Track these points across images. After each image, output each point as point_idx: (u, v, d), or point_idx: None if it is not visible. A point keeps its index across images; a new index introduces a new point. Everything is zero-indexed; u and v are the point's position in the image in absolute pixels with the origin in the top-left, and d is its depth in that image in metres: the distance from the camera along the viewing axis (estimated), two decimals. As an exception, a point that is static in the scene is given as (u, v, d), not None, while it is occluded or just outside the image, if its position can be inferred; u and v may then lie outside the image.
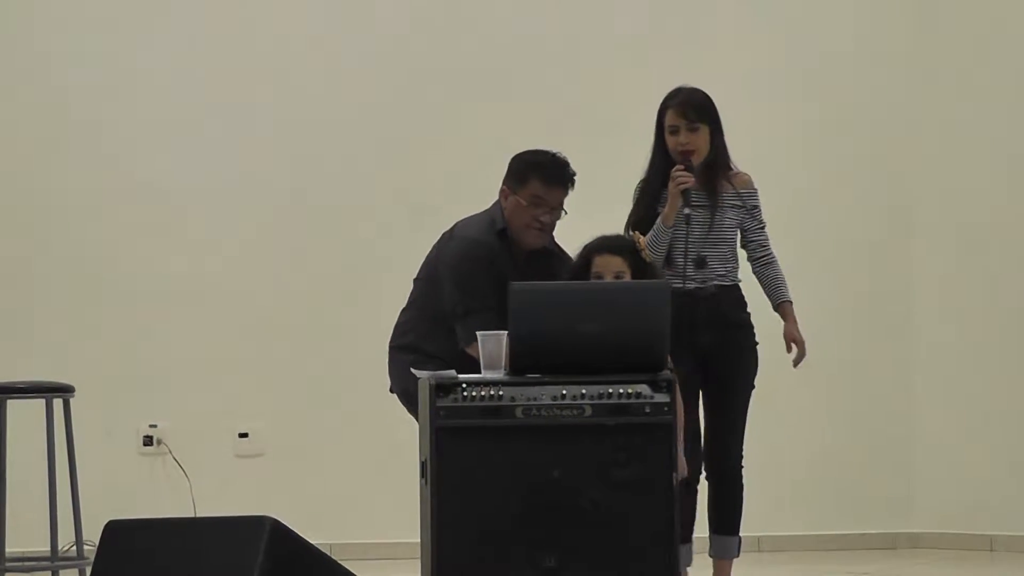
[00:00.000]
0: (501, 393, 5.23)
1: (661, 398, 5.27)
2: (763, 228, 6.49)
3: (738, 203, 6.39)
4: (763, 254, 6.48)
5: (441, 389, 5.22)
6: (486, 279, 6.16)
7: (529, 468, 5.21)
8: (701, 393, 6.37)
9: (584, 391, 5.25)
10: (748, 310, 6.45)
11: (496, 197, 6.37)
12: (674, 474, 5.27)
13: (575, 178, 6.33)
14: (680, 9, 9.39)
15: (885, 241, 9.44)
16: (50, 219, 8.90)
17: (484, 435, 5.20)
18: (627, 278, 5.95)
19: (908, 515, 9.44)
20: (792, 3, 9.45)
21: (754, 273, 6.49)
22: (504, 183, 6.36)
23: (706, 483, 6.41)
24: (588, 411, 5.24)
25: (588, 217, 6.17)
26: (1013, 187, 9.24)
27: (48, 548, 6.64)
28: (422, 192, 9.12)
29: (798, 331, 6.42)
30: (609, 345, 5.30)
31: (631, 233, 6.20)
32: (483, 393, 5.23)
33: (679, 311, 6.06)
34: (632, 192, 6.48)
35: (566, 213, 6.33)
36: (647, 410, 5.25)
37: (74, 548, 6.65)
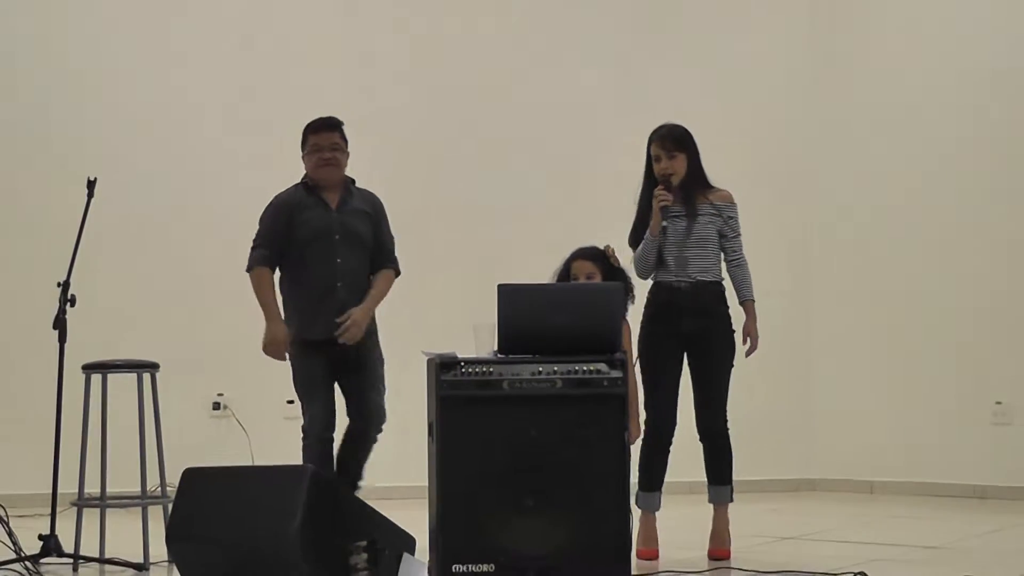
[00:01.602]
0: (491, 370, 5.23)
1: (615, 374, 5.26)
2: (737, 236, 6.35)
3: (714, 212, 6.28)
4: (735, 257, 6.35)
5: (444, 367, 5.22)
6: (269, 222, 6.31)
7: (513, 429, 5.21)
8: (690, 372, 6.28)
9: (556, 368, 5.25)
10: (727, 304, 6.34)
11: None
12: (625, 433, 5.29)
13: (336, 122, 6.39)
14: (638, 68, 9.44)
15: (793, 243, 9.48)
16: (146, 232, 8.93)
17: (478, 403, 5.20)
18: (597, 278, 5.98)
19: (808, 465, 9.49)
20: (733, 70, 9.51)
21: (727, 271, 6.37)
22: (302, 154, 6.42)
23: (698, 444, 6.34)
24: (559, 384, 5.24)
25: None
26: (896, 196, 9.28)
27: (139, 489, 6.65)
28: (431, 199, 9.17)
29: (755, 328, 6.33)
30: (575, 333, 5.30)
31: (606, 245, 6.20)
32: (477, 370, 5.24)
33: (665, 301, 6.23)
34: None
35: (345, 151, 6.39)
36: (604, 384, 5.24)
37: (159, 489, 6.65)
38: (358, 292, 6.35)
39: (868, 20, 9.54)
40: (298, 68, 9.16)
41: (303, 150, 6.40)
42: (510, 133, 9.36)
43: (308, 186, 6.38)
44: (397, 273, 6.55)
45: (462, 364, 5.24)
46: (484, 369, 5.24)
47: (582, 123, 9.40)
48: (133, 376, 6.60)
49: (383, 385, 6.45)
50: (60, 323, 5.91)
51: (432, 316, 8.81)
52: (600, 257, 6.11)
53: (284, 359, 6.24)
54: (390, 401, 8.47)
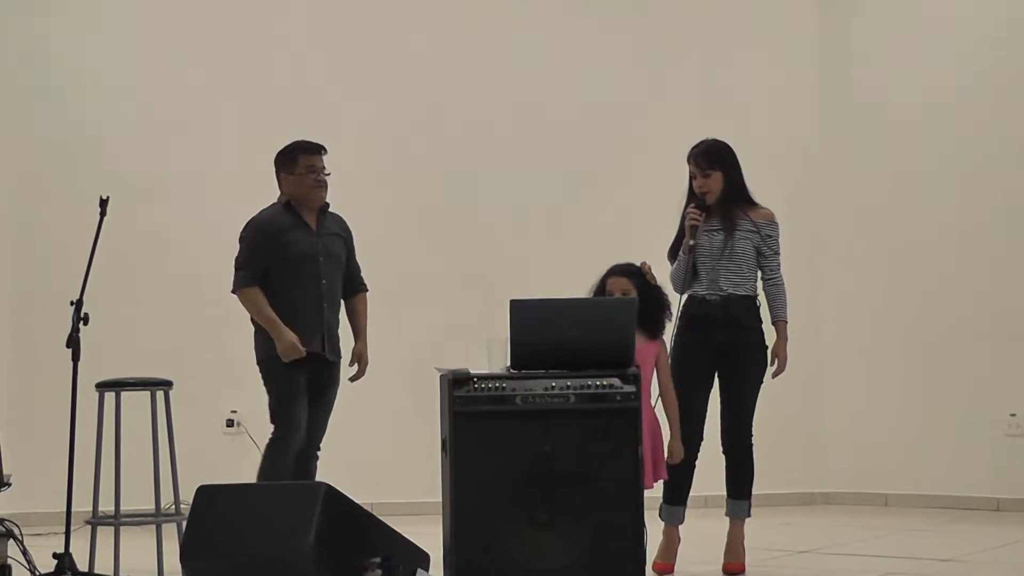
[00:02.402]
0: (504, 385, 5.25)
1: (628, 389, 5.27)
2: (775, 255, 6.33)
3: (753, 229, 6.25)
4: (771, 276, 6.33)
5: (457, 382, 5.23)
6: (254, 243, 6.33)
7: (526, 444, 5.22)
8: (719, 385, 6.25)
9: (569, 383, 5.26)
10: (760, 318, 6.30)
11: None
12: (639, 448, 5.28)
13: (324, 147, 6.45)
14: (655, 87, 9.45)
15: (800, 266, 9.44)
16: (154, 255, 8.92)
17: (491, 418, 5.22)
18: (632, 294, 5.90)
19: (822, 478, 9.46)
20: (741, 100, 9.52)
21: (763, 289, 6.35)
22: (281, 174, 6.45)
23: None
24: (572, 399, 5.25)
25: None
26: (908, 206, 9.25)
27: (154, 507, 6.65)
28: (440, 226, 9.17)
29: (784, 349, 6.29)
30: (587, 348, 5.31)
31: (643, 262, 6.15)
32: (490, 385, 5.25)
33: (696, 314, 6.21)
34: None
35: (330, 173, 6.44)
36: (617, 398, 5.26)
37: (173, 506, 6.65)
38: (337, 312, 6.48)
39: (875, 28, 9.52)
40: (309, 91, 9.16)
41: (290, 169, 6.42)
42: (515, 149, 9.35)
43: (290, 207, 6.41)
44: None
45: (475, 380, 5.25)
46: (497, 384, 5.25)
47: (592, 134, 9.39)
48: (147, 394, 6.60)
49: (331, 408, 6.55)
50: (73, 342, 5.91)
51: (441, 330, 8.81)
52: (636, 274, 6.05)
53: (304, 353, 6.25)
54: (402, 414, 8.48)
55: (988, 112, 8.99)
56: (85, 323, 5.93)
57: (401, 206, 9.14)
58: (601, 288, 6.07)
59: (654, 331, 5.98)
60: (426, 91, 9.28)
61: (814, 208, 9.52)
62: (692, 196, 6.32)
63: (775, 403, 9.07)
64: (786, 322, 6.34)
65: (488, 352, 5.45)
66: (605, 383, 5.26)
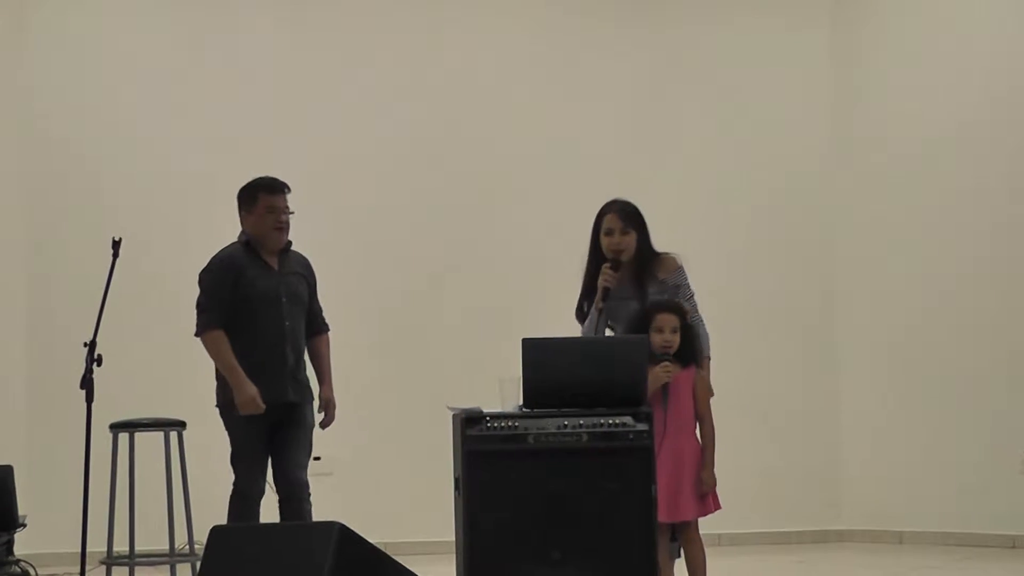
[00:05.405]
0: (516, 424, 5.23)
1: (641, 427, 5.24)
2: (690, 298, 6.06)
3: (662, 290, 6.02)
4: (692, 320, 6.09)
5: (470, 421, 5.21)
6: (216, 284, 6.16)
7: (539, 482, 5.19)
8: None
9: (581, 422, 5.24)
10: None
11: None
12: (653, 487, 5.27)
13: (287, 185, 6.31)
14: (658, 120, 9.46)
15: (815, 302, 9.44)
16: (167, 296, 8.94)
17: (504, 457, 5.19)
18: (678, 333, 5.83)
19: (836, 516, 9.42)
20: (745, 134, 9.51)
21: None
22: (242, 212, 6.30)
23: None
24: (585, 438, 5.23)
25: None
26: (921, 249, 9.24)
27: (167, 546, 6.64)
28: (440, 261, 9.18)
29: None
30: (600, 386, 5.29)
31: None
32: (503, 424, 5.23)
33: None
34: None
35: (293, 212, 6.30)
36: (630, 437, 5.23)
37: (187, 547, 6.64)
38: (300, 354, 6.30)
39: (883, 63, 9.53)
40: (320, 130, 9.20)
41: (250, 208, 6.28)
42: (533, 184, 9.37)
43: (249, 246, 6.28)
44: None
45: (487, 419, 5.23)
46: (509, 423, 5.23)
47: (605, 168, 9.39)
48: (160, 434, 6.61)
49: (311, 449, 6.33)
50: (87, 383, 5.93)
51: (455, 369, 8.81)
52: (682, 312, 5.91)
53: (263, 409, 6.10)
54: (416, 453, 8.40)
55: (999, 144, 8.98)
56: (99, 364, 5.95)
57: (418, 245, 9.15)
58: (647, 320, 5.90)
59: (686, 360, 5.88)
60: (441, 128, 9.30)
61: (830, 241, 9.51)
62: (596, 252, 6.09)
63: (790, 440, 9.09)
64: (709, 358, 6.09)
65: (501, 391, 5.45)
66: (618, 422, 5.24)
